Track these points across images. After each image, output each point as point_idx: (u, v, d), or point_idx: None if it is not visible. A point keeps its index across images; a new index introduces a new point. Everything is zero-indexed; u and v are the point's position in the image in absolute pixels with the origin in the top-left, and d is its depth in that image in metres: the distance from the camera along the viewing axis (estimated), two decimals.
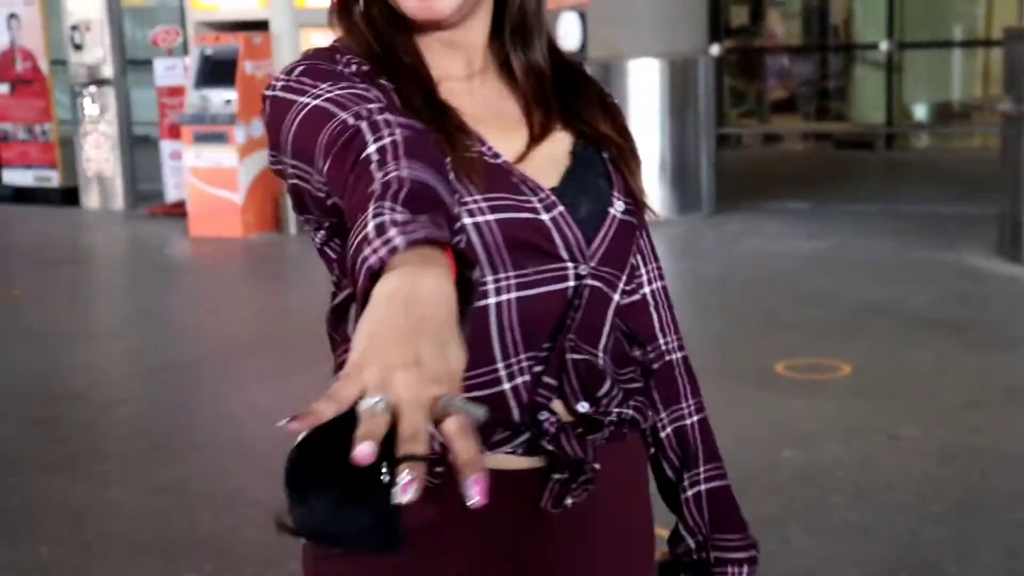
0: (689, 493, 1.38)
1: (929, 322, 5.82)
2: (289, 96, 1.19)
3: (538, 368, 1.22)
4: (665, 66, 8.76)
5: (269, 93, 1.23)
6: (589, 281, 1.24)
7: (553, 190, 1.24)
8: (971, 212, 8.43)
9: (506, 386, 1.20)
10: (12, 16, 10.45)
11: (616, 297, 1.29)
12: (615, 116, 1.34)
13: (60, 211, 10.29)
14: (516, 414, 1.21)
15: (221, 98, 8.75)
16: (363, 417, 0.80)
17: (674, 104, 8.84)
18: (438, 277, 0.89)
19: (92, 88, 10.20)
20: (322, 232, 1.27)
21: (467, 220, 1.16)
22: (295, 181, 1.20)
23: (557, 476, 1.22)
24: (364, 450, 0.78)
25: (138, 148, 10.77)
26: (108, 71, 10.17)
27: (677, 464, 1.39)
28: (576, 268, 1.23)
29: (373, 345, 0.85)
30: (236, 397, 5.06)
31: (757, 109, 15.07)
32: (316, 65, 1.24)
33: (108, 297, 7.63)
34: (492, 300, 1.19)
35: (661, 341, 1.39)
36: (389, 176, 0.99)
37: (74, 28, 10.20)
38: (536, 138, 1.28)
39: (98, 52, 10.16)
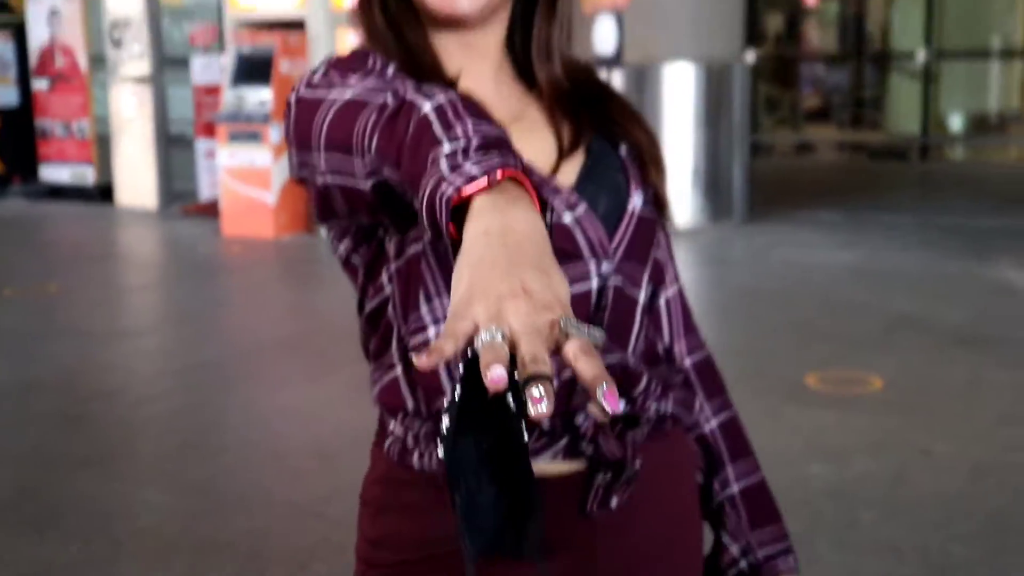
0: (723, 496, 1.38)
1: (963, 337, 5.77)
2: (318, 94, 1.16)
3: (569, 373, 1.21)
4: (701, 71, 8.74)
5: (294, 96, 1.19)
6: (612, 280, 1.23)
7: (573, 188, 1.23)
8: (1006, 225, 8.36)
9: None
10: (53, 12, 10.53)
11: (641, 296, 1.27)
12: (645, 124, 1.33)
13: (95, 208, 10.38)
14: (549, 420, 1.19)
15: (257, 97, 8.80)
16: (483, 349, 0.79)
17: (709, 110, 8.83)
18: (527, 210, 0.89)
19: (130, 86, 10.27)
20: (347, 241, 1.26)
21: None
22: (327, 180, 1.15)
23: (600, 478, 1.21)
24: (496, 372, 0.77)
25: (173, 146, 10.83)
26: (145, 68, 10.24)
27: (706, 471, 1.39)
28: (599, 268, 1.22)
29: (478, 281, 0.84)
30: (267, 397, 5.08)
31: (791, 117, 15.01)
32: (342, 64, 1.23)
33: (141, 295, 7.68)
34: None
35: (675, 349, 1.37)
36: (455, 130, 0.96)
37: (113, 25, 10.27)
38: (566, 151, 1.26)
39: (136, 49, 10.23)
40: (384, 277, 1.24)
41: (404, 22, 1.27)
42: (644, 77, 8.64)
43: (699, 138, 8.80)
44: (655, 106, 8.73)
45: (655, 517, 1.29)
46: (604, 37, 7.94)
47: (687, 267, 7.60)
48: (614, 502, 1.23)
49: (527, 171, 0.95)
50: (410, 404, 1.24)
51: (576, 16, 1.36)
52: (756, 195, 9.31)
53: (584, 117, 1.29)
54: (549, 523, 1.17)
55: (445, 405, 0.82)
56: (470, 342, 0.81)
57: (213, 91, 9.61)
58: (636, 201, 1.26)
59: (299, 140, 1.17)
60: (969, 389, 4.99)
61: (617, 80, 8.29)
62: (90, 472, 4.20)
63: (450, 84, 1.22)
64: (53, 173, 10.77)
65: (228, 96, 8.97)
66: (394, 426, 1.27)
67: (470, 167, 0.91)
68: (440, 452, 0.81)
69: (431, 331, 1.20)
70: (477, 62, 1.29)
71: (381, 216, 1.16)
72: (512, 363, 0.79)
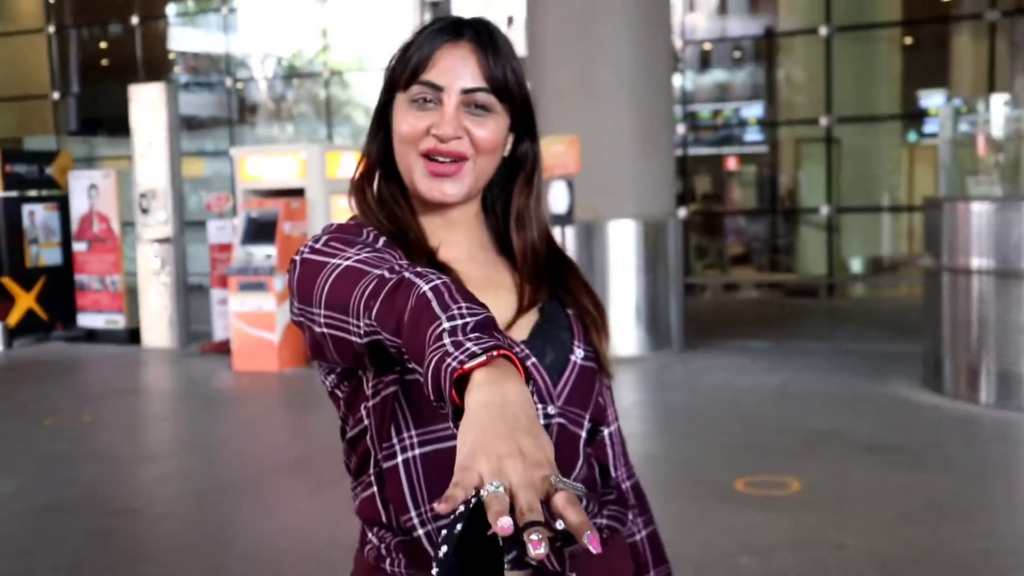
0: None
1: (869, 445, 5.81)
2: (320, 258, 1.18)
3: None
4: (640, 226, 8.92)
5: (299, 256, 1.21)
6: (556, 419, 1.26)
7: (524, 342, 1.26)
8: (900, 350, 8.48)
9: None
10: (92, 186, 10.69)
11: (583, 433, 1.30)
12: (593, 295, 1.37)
13: (124, 349, 10.34)
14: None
15: (263, 253, 8.90)
16: (490, 499, 0.83)
17: (648, 258, 8.98)
18: (518, 384, 0.93)
19: (156, 246, 10.37)
20: (332, 376, 1.28)
21: None
22: (324, 330, 1.16)
23: None
24: (506, 522, 0.81)
25: (191, 295, 10.88)
26: (169, 231, 10.35)
27: (636, 572, 1.42)
28: (545, 408, 1.25)
29: (481, 442, 0.88)
30: (270, 515, 5.02)
31: (719, 262, 15.25)
32: (342, 235, 1.25)
33: (162, 424, 7.62)
34: None
35: (614, 473, 1.41)
36: (452, 311, 0.99)
37: (142, 195, 10.42)
38: (524, 309, 1.30)
39: (161, 215, 10.36)
40: (363, 411, 1.26)
41: (393, 201, 1.30)
42: (593, 232, 8.82)
43: (640, 281, 8.94)
44: (603, 256, 8.88)
45: None
46: (558, 199, 8.11)
47: (634, 391, 7.64)
48: None
49: (512, 349, 0.99)
50: (383, 518, 1.25)
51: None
52: (691, 328, 9.41)
53: (544, 281, 1.33)
54: None
55: (443, 535, 0.83)
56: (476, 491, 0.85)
57: (226, 248, 9.71)
58: (578, 354, 1.30)
59: (301, 294, 1.19)
60: (875, 490, 5.01)
61: (570, 235, 8.45)
62: None
63: (431, 253, 1.27)
64: (89, 320, 10.80)
65: (239, 253, 9.07)
66: (371, 536, 1.28)
67: (471, 346, 0.94)
68: (435, 571, 0.83)
69: (399, 458, 1.22)
70: (455, 234, 1.33)
71: (365, 362, 1.18)
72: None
